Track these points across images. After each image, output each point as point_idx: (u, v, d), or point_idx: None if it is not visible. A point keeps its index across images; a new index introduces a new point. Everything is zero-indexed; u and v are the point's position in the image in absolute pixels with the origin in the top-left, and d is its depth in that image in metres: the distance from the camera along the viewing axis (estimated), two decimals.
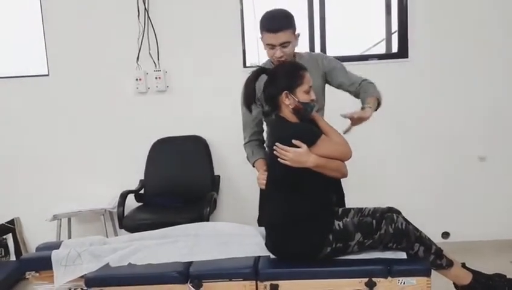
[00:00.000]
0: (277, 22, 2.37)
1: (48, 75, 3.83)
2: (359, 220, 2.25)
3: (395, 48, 3.83)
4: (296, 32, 2.42)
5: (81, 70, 3.78)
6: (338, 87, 2.61)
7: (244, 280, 2.17)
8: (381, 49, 3.96)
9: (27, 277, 2.36)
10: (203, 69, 3.75)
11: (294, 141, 2.12)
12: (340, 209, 2.40)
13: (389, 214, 2.25)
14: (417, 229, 2.25)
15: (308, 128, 2.22)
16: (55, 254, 2.30)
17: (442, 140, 3.74)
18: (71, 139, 3.86)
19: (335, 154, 2.21)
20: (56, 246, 2.45)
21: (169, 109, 3.78)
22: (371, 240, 2.18)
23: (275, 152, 2.16)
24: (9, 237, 3.91)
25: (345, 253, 2.20)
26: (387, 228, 2.16)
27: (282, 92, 2.19)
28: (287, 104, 2.21)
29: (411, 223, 2.26)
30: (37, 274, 2.35)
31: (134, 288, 2.20)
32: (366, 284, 2.13)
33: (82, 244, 2.43)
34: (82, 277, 2.24)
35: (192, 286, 2.13)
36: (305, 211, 2.20)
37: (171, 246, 2.40)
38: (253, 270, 2.17)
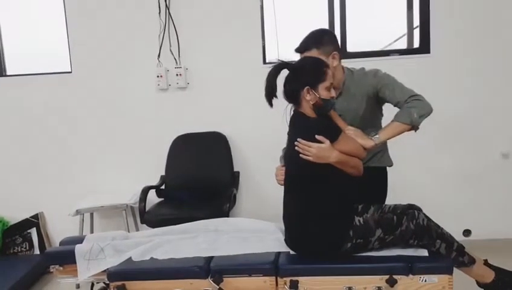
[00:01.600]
0: (303, 43, 2.39)
1: (71, 72, 3.88)
2: (380, 216, 2.24)
3: (416, 43, 3.78)
4: (334, 52, 2.36)
5: (103, 68, 3.83)
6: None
7: (264, 276, 2.17)
8: (403, 45, 3.92)
9: (51, 270, 2.40)
10: (223, 66, 3.77)
11: (318, 137, 2.11)
12: (360, 206, 2.38)
13: (410, 210, 2.23)
14: (438, 226, 2.23)
15: (330, 124, 2.22)
16: (78, 248, 2.34)
17: (465, 137, 3.69)
18: (93, 135, 3.91)
19: (354, 152, 2.20)
20: (79, 240, 2.49)
21: (190, 106, 3.80)
22: (392, 236, 2.16)
23: (296, 148, 2.15)
24: (33, 231, 3.99)
25: (366, 249, 2.19)
26: (408, 224, 2.15)
27: (304, 87, 2.18)
28: (308, 99, 2.19)
29: (432, 220, 2.24)
30: (61, 268, 2.39)
31: (156, 282, 2.22)
32: (387, 281, 2.11)
33: (105, 239, 2.46)
34: (104, 271, 2.28)
35: (213, 280, 2.15)
36: (324, 207, 2.19)
37: (192, 241, 2.42)
38: (273, 266, 2.18)
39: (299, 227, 2.22)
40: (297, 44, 2.44)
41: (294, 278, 2.16)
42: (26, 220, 4.00)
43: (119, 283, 2.21)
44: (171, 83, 3.78)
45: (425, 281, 2.12)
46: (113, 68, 3.82)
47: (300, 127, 2.23)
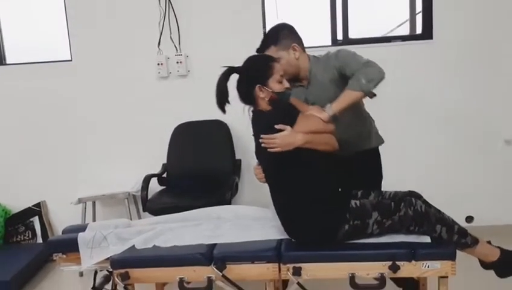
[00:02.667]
0: (261, 42, 2.45)
1: (71, 60, 3.87)
2: (377, 200, 2.24)
3: (419, 29, 3.76)
4: (293, 44, 2.39)
5: (104, 56, 3.81)
6: None
7: (267, 263, 2.17)
8: (405, 31, 3.89)
9: (54, 258, 2.40)
10: (224, 53, 3.71)
11: (277, 126, 2.11)
12: (360, 192, 2.38)
13: (408, 197, 2.22)
14: (439, 211, 2.21)
15: (284, 111, 2.22)
16: (81, 237, 2.34)
17: (467, 123, 3.68)
18: (94, 123, 3.90)
19: (318, 128, 2.20)
20: (82, 228, 2.48)
21: (191, 94, 3.79)
22: (390, 221, 2.15)
23: (262, 145, 2.15)
24: (35, 220, 4.00)
25: (365, 232, 2.17)
26: (407, 210, 2.14)
27: (255, 87, 2.21)
28: (263, 96, 2.22)
29: (433, 206, 2.23)
30: (64, 256, 2.38)
31: (159, 270, 2.22)
32: (390, 267, 2.11)
33: (107, 227, 2.46)
34: (108, 259, 2.28)
35: (216, 267, 2.14)
36: (312, 193, 2.19)
37: (194, 229, 2.42)
38: (276, 253, 2.18)
39: (292, 218, 2.22)
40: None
41: (297, 265, 2.15)
42: (29, 208, 4.01)
43: (123, 271, 2.21)
44: (172, 70, 3.77)
45: (428, 267, 2.12)
46: (113, 56, 3.80)
47: (259, 124, 2.23)
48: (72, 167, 3.96)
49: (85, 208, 3.66)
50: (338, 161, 2.31)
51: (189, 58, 3.76)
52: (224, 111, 2.31)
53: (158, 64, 3.74)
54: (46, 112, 3.93)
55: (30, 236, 3.99)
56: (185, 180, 3.63)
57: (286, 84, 2.24)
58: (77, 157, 3.96)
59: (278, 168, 2.22)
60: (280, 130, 2.12)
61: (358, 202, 2.19)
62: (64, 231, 2.60)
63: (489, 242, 2.31)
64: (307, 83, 2.47)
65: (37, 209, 4.01)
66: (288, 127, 2.13)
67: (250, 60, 2.31)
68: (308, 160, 2.19)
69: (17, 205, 4.03)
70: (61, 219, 3.93)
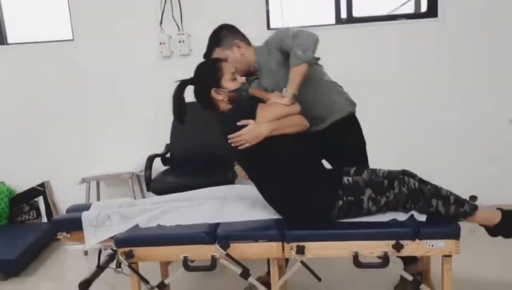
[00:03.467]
0: (206, 49, 2.51)
1: (72, 40, 3.84)
2: (370, 177, 2.23)
3: (424, 7, 3.71)
4: (235, 41, 2.43)
5: (105, 35, 3.78)
6: None
7: (271, 241, 2.18)
8: (410, 9, 3.84)
9: (58, 237, 2.40)
10: None
11: (239, 123, 2.13)
12: (353, 169, 2.37)
13: (401, 176, 2.21)
14: (436, 187, 2.19)
15: (243, 106, 2.25)
16: (85, 216, 2.34)
17: (472, 102, 3.66)
18: (97, 103, 3.89)
19: (282, 113, 2.22)
20: (86, 207, 2.48)
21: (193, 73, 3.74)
22: (384, 198, 2.14)
23: (232, 145, 2.17)
24: (40, 200, 4.02)
25: (361, 209, 2.16)
26: (400, 188, 2.13)
27: (210, 91, 2.25)
28: (221, 98, 2.25)
29: (429, 183, 2.21)
30: (68, 235, 2.38)
31: (163, 248, 2.23)
32: (393, 246, 2.11)
33: (111, 206, 2.46)
34: (112, 237, 2.28)
35: (220, 246, 2.15)
36: (298, 178, 2.18)
37: (198, 208, 2.42)
38: (279, 231, 2.18)
39: (284, 205, 2.22)
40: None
41: (300, 244, 2.15)
42: (33, 188, 4.02)
43: (127, 249, 2.22)
44: (174, 50, 3.74)
45: (432, 246, 2.11)
46: (115, 35, 3.78)
47: (224, 126, 2.25)
48: (76, 147, 3.96)
49: (89, 188, 3.66)
50: (315, 136, 2.35)
51: (191, 37, 3.73)
52: (183, 123, 2.39)
53: (160, 43, 3.71)
54: (49, 92, 3.92)
55: (35, 216, 4.01)
56: (189, 160, 3.62)
57: (241, 80, 2.29)
58: (81, 137, 3.96)
59: (255, 163, 2.24)
60: (244, 126, 2.14)
61: (350, 179, 2.19)
62: (68, 210, 2.60)
63: (499, 209, 2.28)
64: (260, 74, 2.48)
65: (41, 189, 4.02)
66: (250, 121, 2.15)
67: (198, 68, 2.35)
68: (281, 146, 2.20)
69: (21, 185, 4.05)
70: (66, 198, 3.94)
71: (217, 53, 2.44)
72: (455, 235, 2.11)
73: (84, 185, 3.63)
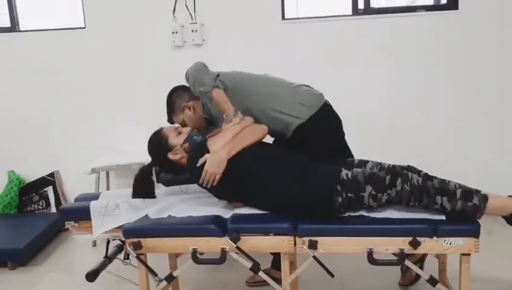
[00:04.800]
0: (167, 115, 2.64)
1: (84, 27, 3.80)
2: (371, 172, 2.14)
3: None
4: (183, 105, 2.55)
5: (117, 23, 3.74)
6: None
7: (282, 235, 2.11)
8: (430, 0, 3.74)
9: (66, 226, 2.37)
10: (240, 22, 3.64)
11: (198, 164, 2.16)
12: (357, 160, 2.34)
13: (405, 171, 2.13)
14: (442, 181, 2.10)
15: (192, 150, 2.29)
16: (93, 204, 2.30)
17: (492, 95, 3.55)
18: (108, 92, 3.85)
19: (234, 132, 2.26)
20: (94, 197, 2.45)
21: (206, 63, 3.68)
22: (386, 195, 2.07)
23: (208, 187, 2.19)
24: (49, 190, 4.00)
25: (362, 205, 2.11)
26: (403, 185, 2.05)
27: (168, 158, 2.33)
28: (180, 156, 2.32)
29: (436, 178, 2.13)
30: (76, 224, 2.35)
31: (172, 240, 2.18)
32: (410, 243, 2.03)
33: (120, 196, 2.42)
34: (120, 227, 2.24)
35: (230, 239, 2.09)
36: (283, 186, 2.16)
37: (208, 200, 2.38)
38: (292, 225, 2.11)
39: (285, 211, 2.17)
40: None
41: (313, 238, 2.09)
42: (43, 178, 4.00)
43: (135, 240, 2.17)
44: (187, 39, 3.68)
45: (450, 243, 2.03)
46: (127, 24, 3.73)
47: (192, 176, 2.26)
48: (86, 137, 3.93)
49: (98, 178, 3.62)
50: (283, 141, 2.40)
51: (204, 26, 3.66)
52: (154, 197, 2.47)
53: (173, 32, 3.65)
54: (60, 81, 3.88)
55: (44, 206, 3.99)
56: None
57: (186, 130, 2.40)
58: (91, 127, 3.92)
59: (238, 188, 2.23)
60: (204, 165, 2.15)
61: (350, 174, 2.11)
62: (77, 199, 2.57)
63: (510, 197, 2.17)
64: (207, 113, 2.54)
65: (51, 179, 4.00)
66: (206, 155, 2.17)
67: (148, 147, 2.44)
68: (250, 158, 2.20)
69: (31, 174, 4.03)
70: (75, 189, 3.89)
71: (176, 118, 2.59)
72: (474, 233, 2.03)
73: (94, 175, 3.59)
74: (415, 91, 3.59)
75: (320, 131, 2.44)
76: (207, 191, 2.28)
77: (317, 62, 3.59)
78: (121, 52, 3.77)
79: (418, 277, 2.32)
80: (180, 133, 2.38)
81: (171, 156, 2.33)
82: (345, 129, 2.57)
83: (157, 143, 2.38)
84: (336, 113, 2.55)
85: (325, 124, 2.47)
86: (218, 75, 2.41)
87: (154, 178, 2.55)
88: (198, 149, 2.26)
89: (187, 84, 2.51)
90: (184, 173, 2.37)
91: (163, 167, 2.42)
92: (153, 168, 2.49)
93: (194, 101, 2.55)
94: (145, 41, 3.73)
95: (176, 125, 2.46)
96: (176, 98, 2.60)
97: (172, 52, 3.71)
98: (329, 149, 2.41)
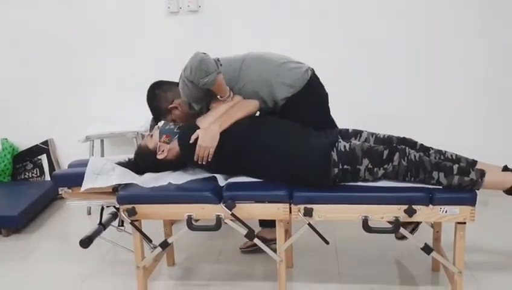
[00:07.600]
0: (155, 120, 2.54)
1: None
2: (369, 146, 2.14)
3: None
4: (168, 108, 2.45)
5: None
6: None
7: (278, 203, 2.11)
8: None
9: (60, 192, 2.35)
10: None
11: (192, 140, 2.14)
12: (352, 129, 2.34)
13: (402, 146, 2.11)
14: (439, 151, 2.12)
15: (182, 132, 2.27)
16: (92, 161, 2.30)
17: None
18: (102, 60, 3.77)
19: (225, 108, 2.25)
20: (87, 163, 2.41)
21: (202, 30, 3.62)
22: (382, 170, 2.07)
23: (204, 163, 2.16)
24: (43, 158, 3.97)
25: (357, 177, 2.10)
26: (400, 161, 2.05)
27: (159, 161, 2.30)
28: (168, 152, 2.29)
29: (433, 149, 2.15)
30: (70, 190, 2.32)
31: (167, 206, 2.17)
32: (406, 211, 2.03)
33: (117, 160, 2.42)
34: (114, 192, 2.22)
35: (225, 206, 2.09)
36: (280, 156, 2.15)
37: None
38: (287, 193, 2.11)
39: (283, 179, 2.17)
40: None
41: (308, 206, 2.09)
42: (36, 146, 3.96)
43: (129, 206, 2.16)
44: (182, 5, 3.59)
45: (446, 212, 2.04)
46: None
47: (188, 159, 2.24)
48: (80, 105, 3.86)
49: (93, 146, 3.59)
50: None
51: None
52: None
53: None
54: (53, 48, 3.79)
55: (38, 174, 3.97)
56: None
57: (154, 131, 2.37)
58: (85, 95, 3.86)
59: (237, 161, 2.19)
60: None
61: (348, 145, 2.11)
62: (70, 166, 2.55)
63: (505, 167, 2.19)
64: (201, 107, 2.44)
65: (45, 147, 3.96)
66: (197, 131, 2.15)
67: (140, 165, 2.38)
68: (244, 130, 2.19)
69: (24, 142, 3.98)
70: (69, 157, 3.79)
71: (167, 119, 2.48)
72: (471, 201, 2.03)
73: (88, 143, 3.56)
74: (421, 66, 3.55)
75: (303, 108, 2.40)
76: (203, 169, 2.26)
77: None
78: (113, 18, 3.68)
79: (417, 225, 2.31)
80: (151, 135, 2.37)
81: (159, 156, 2.30)
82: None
83: (143, 155, 2.36)
84: (321, 89, 2.50)
85: (306, 105, 2.41)
86: (218, 59, 2.30)
87: None
88: (187, 129, 2.24)
89: (181, 75, 2.37)
90: (184, 163, 2.33)
91: (162, 170, 2.34)
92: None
93: (177, 98, 2.45)
94: (138, 7, 3.64)
95: (146, 133, 2.38)
96: (158, 104, 2.50)
97: (166, 18, 3.63)
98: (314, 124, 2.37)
